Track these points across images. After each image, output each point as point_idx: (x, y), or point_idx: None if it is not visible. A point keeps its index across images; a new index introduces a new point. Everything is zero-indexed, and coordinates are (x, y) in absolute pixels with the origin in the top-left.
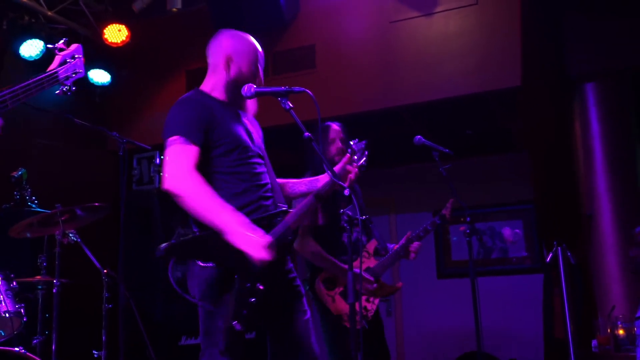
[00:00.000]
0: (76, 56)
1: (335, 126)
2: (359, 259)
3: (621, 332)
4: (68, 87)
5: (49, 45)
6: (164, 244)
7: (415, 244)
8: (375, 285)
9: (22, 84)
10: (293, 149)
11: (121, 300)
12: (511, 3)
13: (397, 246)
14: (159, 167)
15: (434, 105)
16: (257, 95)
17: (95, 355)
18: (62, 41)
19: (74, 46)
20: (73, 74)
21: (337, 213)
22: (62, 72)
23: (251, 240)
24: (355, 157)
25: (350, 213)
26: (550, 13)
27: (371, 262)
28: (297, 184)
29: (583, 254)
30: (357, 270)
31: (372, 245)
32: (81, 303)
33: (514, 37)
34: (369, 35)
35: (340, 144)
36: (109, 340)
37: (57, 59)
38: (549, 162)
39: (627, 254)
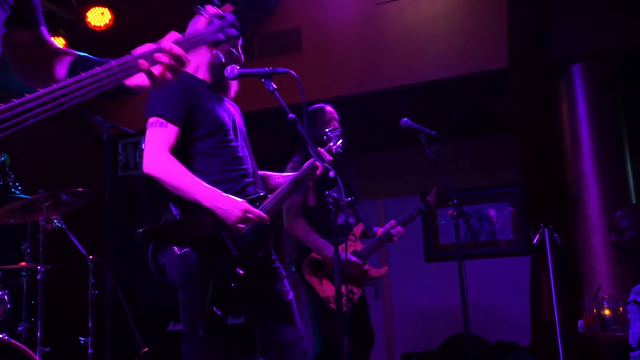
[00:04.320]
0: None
1: (328, 107)
2: (347, 242)
3: (607, 312)
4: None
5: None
6: (142, 228)
7: (398, 229)
8: (365, 267)
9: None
10: (277, 134)
11: (107, 286)
12: None
13: (381, 231)
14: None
15: (420, 87)
16: (240, 76)
17: (82, 342)
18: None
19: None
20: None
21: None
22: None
23: (231, 202)
24: (331, 144)
25: (335, 195)
26: None
27: (358, 246)
28: (274, 177)
29: (570, 235)
30: (342, 253)
31: (359, 229)
32: (67, 289)
33: (500, 18)
34: (355, 17)
35: (336, 124)
36: (95, 326)
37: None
38: (536, 144)
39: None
